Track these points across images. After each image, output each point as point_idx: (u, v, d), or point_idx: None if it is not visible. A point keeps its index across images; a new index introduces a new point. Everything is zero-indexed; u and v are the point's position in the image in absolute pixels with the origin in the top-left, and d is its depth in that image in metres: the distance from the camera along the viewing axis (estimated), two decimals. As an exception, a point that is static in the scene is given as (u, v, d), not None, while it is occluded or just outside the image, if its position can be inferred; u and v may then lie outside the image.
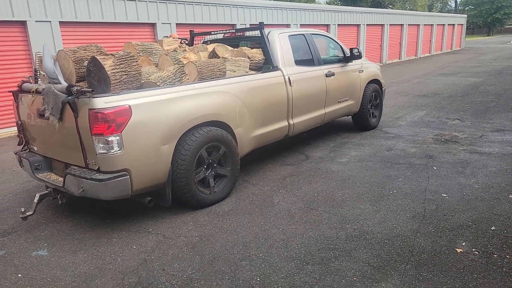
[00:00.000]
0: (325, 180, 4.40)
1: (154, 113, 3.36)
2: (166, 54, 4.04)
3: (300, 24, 14.94)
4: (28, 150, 4.06)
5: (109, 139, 3.10)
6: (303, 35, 5.37)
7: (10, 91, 4.00)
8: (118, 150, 3.15)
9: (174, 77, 3.83)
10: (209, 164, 3.85)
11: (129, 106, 3.20)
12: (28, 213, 3.47)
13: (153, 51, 4.31)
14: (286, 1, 24.76)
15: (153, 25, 10.04)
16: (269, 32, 4.89)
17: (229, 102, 4.01)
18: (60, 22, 8.15)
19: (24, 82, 3.97)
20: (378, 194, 3.93)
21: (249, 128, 4.28)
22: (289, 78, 4.75)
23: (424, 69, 16.95)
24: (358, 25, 18.60)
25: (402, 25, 22.12)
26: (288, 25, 14.35)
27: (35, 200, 3.59)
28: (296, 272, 2.69)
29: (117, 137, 3.13)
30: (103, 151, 3.13)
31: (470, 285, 2.48)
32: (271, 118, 4.57)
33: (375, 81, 6.54)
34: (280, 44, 4.85)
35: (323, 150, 5.58)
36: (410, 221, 3.34)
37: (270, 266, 2.78)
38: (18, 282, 2.77)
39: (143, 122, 3.27)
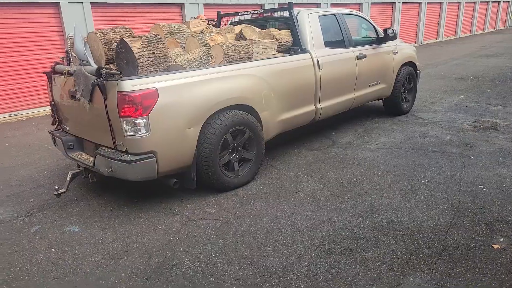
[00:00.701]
0: (352, 166, 4.30)
1: (180, 96, 3.37)
2: (193, 36, 4.00)
3: (331, 4, 14.42)
4: (61, 129, 4.20)
5: (137, 121, 3.14)
6: (334, 15, 5.16)
7: (43, 72, 4.11)
8: (145, 133, 3.19)
9: (200, 60, 3.79)
10: (234, 147, 3.84)
11: (156, 89, 3.21)
12: (61, 191, 3.62)
13: (180, 33, 4.28)
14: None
15: (181, 5, 10.00)
16: (298, 13, 4.73)
17: (255, 86, 3.95)
18: (91, 3, 8.27)
19: (57, 63, 4.06)
20: (409, 183, 3.80)
21: (275, 112, 4.21)
22: (317, 61, 4.61)
23: (464, 50, 16.03)
24: (393, 3, 17.74)
25: (441, 2, 20.90)
26: (318, 5, 13.89)
27: (68, 178, 3.73)
28: (320, 260, 2.67)
29: (144, 120, 3.16)
30: (130, 133, 3.18)
31: (507, 285, 2.36)
32: (298, 102, 4.48)
33: (410, 64, 6.24)
34: (310, 25, 4.69)
35: (351, 135, 5.44)
36: (443, 213, 3.20)
37: (293, 253, 2.76)
38: (52, 256, 2.91)
39: (169, 105, 3.29)
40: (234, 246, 2.90)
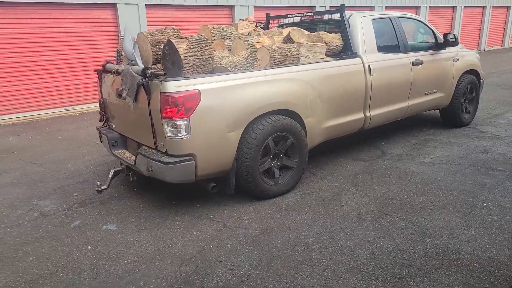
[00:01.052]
0: (403, 181, 3.96)
1: (223, 99, 3.27)
2: (240, 38, 3.90)
3: (386, 7, 13.80)
4: (107, 127, 4.29)
5: (178, 123, 3.09)
6: (389, 18, 4.83)
7: (94, 70, 4.22)
8: (186, 135, 3.13)
9: (245, 62, 3.68)
10: (276, 154, 3.68)
11: (199, 91, 3.14)
12: (103, 187, 3.67)
13: (228, 35, 4.20)
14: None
15: (231, 7, 10.04)
16: (350, 15, 4.48)
17: (301, 90, 3.76)
18: (146, 4, 8.53)
19: (107, 62, 4.15)
20: (468, 205, 3.41)
21: (320, 119, 3.99)
22: (369, 66, 4.32)
23: (533, 58, 14.64)
24: (453, 7, 16.65)
25: (508, 6, 19.30)
26: (371, 8, 13.35)
27: (110, 175, 3.79)
28: (363, 287, 2.42)
29: (185, 122, 3.11)
30: (171, 135, 3.14)
31: None
32: (346, 109, 4.22)
33: (472, 72, 5.71)
34: (362, 29, 4.41)
35: (403, 146, 5.06)
36: (509, 244, 2.81)
37: (333, 275, 2.54)
38: (87, 254, 2.92)
39: (211, 108, 3.21)
40: (270, 260, 2.73)
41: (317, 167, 4.44)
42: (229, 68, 3.54)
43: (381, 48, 4.55)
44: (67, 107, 8.06)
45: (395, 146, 5.10)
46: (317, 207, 3.50)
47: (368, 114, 4.45)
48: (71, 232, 3.26)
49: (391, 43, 4.75)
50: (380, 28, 4.66)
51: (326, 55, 4.21)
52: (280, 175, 3.73)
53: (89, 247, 3.01)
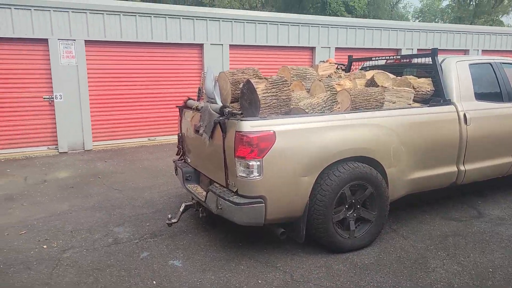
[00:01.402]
0: (505, 251, 3.34)
1: (298, 141, 3.14)
2: (320, 80, 3.80)
3: (482, 50, 12.78)
4: (183, 160, 4.41)
5: (250, 163, 3.02)
6: (490, 64, 4.37)
7: (177, 106, 4.43)
8: (257, 176, 3.03)
9: (324, 105, 3.53)
10: (352, 204, 3.38)
11: (274, 132, 3.06)
12: (173, 221, 3.70)
13: (307, 76, 4.13)
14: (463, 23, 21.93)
15: (312, 49, 10.15)
16: (443, 60, 4.13)
17: (383, 137, 3.47)
18: (230, 45, 9.02)
19: (189, 99, 4.34)
20: None
21: (405, 169, 3.61)
22: (464, 115, 3.87)
23: None
24: None
25: None
26: (466, 52, 12.47)
27: (181, 209, 3.82)
28: None
29: (258, 162, 3.02)
30: (243, 174, 3.07)
31: None
32: (436, 161, 3.78)
33: None
34: (457, 74, 4.02)
35: (505, 208, 4.35)
36: None
37: None
38: (151, 289, 2.88)
39: (285, 150, 3.09)
40: (340, 328, 2.40)
41: (399, 223, 3.99)
42: (306, 110, 3.43)
43: (480, 96, 4.09)
44: (150, 137, 8.64)
45: (495, 207, 4.40)
46: (398, 269, 3.07)
47: (462, 168, 3.94)
48: (139, 263, 3.28)
49: (492, 91, 4.26)
50: (479, 74, 4.22)
51: (414, 100, 3.89)
52: (356, 227, 3.40)
53: (154, 282, 2.98)
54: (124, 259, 3.36)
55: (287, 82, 3.45)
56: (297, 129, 3.16)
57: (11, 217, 4.35)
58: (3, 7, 6.93)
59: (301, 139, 3.14)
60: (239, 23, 9.05)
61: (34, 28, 7.19)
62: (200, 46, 8.79)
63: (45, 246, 3.61)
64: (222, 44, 8.91)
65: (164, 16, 8.24)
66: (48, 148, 7.69)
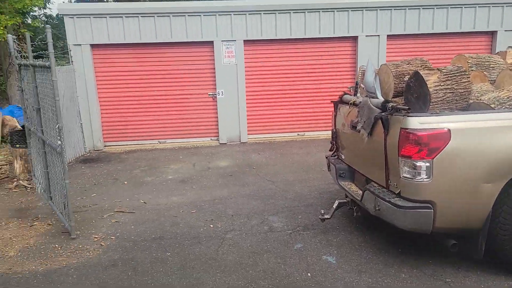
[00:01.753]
0: None
1: (480, 141, 2.69)
2: (510, 69, 3.16)
3: None
4: (336, 156, 4.34)
5: (417, 164, 2.73)
6: None
7: (331, 101, 4.37)
8: (426, 178, 2.72)
9: (517, 98, 2.93)
10: (552, 222, 2.71)
11: (449, 130, 2.69)
12: (326, 216, 3.68)
13: (491, 65, 3.50)
14: None
15: (491, 33, 8.58)
16: None
17: None
18: (387, 35, 8.42)
19: (345, 93, 4.22)
20: None
21: None
22: None
23: None
24: None
25: None
26: None
27: (334, 206, 3.78)
28: None
29: (427, 163, 2.71)
30: (408, 176, 2.81)
31: None
32: None
33: None
34: None
35: None
36: None
37: None
38: (306, 281, 2.94)
39: (463, 151, 2.68)
40: None
41: None
42: (492, 105, 2.90)
43: None
44: (299, 133, 8.87)
45: None
46: None
47: None
48: (293, 253, 3.39)
49: None
50: None
51: None
52: (555, 251, 2.73)
53: (309, 274, 3.03)
54: (279, 247, 3.53)
55: (466, 73, 2.98)
56: (479, 127, 2.71)
57: (185, 197, 5.08)
58: (176, 15, 8.11)
59: (484, 139, 2.69)
60: (399, 11, 8.34)
61: (202, 32, 8.20)
62: (354, 38, 8.49)
63: (211, 226, 4.09)
64: (378, 35, 8.40)
65: (318, 10, 8.26)
66: (211, 139, 8.72)
